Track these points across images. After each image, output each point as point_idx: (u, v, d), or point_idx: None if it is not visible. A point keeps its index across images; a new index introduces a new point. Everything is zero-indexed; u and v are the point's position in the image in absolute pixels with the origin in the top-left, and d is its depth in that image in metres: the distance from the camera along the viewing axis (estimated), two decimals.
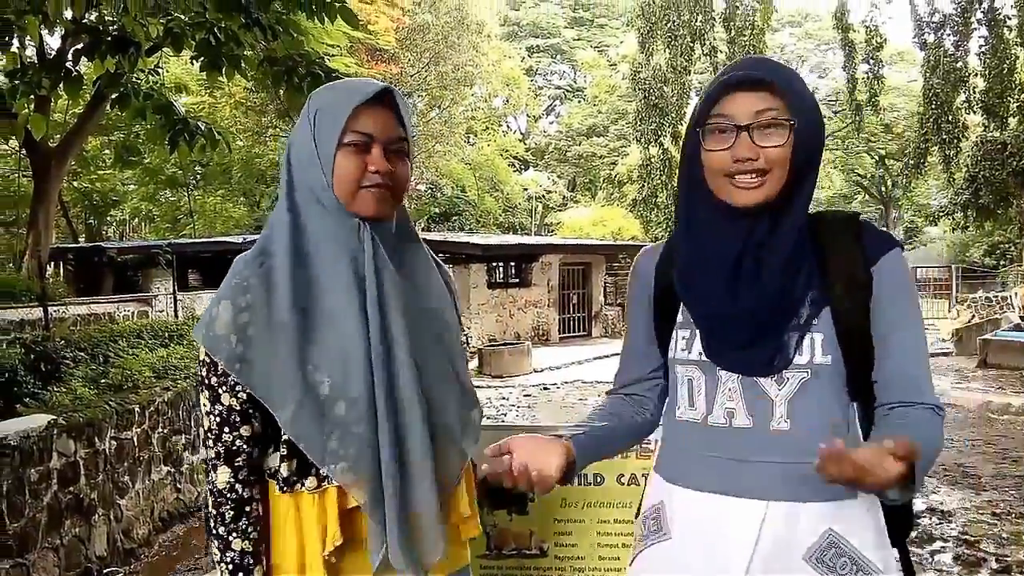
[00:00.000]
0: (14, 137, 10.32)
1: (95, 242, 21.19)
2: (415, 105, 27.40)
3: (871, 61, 19.05)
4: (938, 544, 4.27)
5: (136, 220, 28.61)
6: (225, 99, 22.30)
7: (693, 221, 1.34)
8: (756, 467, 1.28)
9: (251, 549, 1.33)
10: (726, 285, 1.27)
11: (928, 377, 1.30)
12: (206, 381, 1.37)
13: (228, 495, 1.33)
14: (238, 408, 1.33)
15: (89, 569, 6.12)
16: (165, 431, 7.68)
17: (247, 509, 1.34)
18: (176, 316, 12.79)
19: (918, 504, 4.97)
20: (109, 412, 6.75)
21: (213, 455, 1.36)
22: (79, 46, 5.08)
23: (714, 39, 21.08)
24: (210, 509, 1.36)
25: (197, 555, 6.78)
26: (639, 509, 1.52)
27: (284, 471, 1.34)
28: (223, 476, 1.34)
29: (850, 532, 1.27)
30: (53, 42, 12.82)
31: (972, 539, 4.33)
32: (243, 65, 5.10)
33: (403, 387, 1.33)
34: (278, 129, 23.43)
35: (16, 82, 4.76)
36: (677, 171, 1.45)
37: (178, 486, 7.83)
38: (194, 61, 5.04)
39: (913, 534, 4.36)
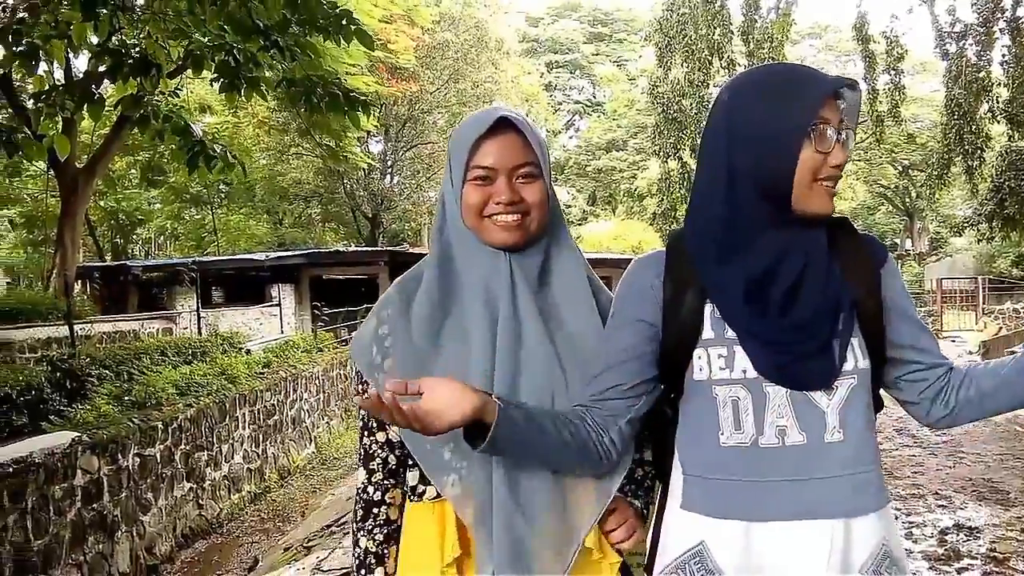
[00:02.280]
0: (45, 159, 10.53)
1: (121, 260, 21.50)
2: (435, 122, 27.62)
3: (892, 72, 18.90)
4: (966, 561, 4.17)
5: (161, 238, 29.03)
6: (248, 119, 22.59)
7: (736, 234, 1.26)
8: (816, 485, 1.21)
9: (374, 549, 1.39)
10: (779, 298, 1.22)
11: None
12: (356, 388, 1.44)
13: (361, 495, 1.42)
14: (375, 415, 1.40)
15: None
16: (188, 447, 7.75)
17: (375, 511, 1.40)
18: (200, 333, 12.93)
19: (945, 520, 4.87)
20: (132, 429, 6.83)
21: (358, 457, 1.45)
22: (102, 68, 5.19)
23: (732, 52, 21.03)
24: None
25: (219, 571, 6.81)
26: (651, 561, 1.39)
27: (411, 480, 1.40)
28: (360, 477, 1.43)
29: (894, 537, 1.26)
30: (81, 64, 13.11)
31: (1001, 556, 4.23)
32: (262, 86, 5.18)
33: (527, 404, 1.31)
34: (300, 148, 23.70)
35: (41, 104, 4.88)
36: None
37: (200, 502, 7.89)
38: (213, 83, 5.13)
39: (940, 551, 4.28)
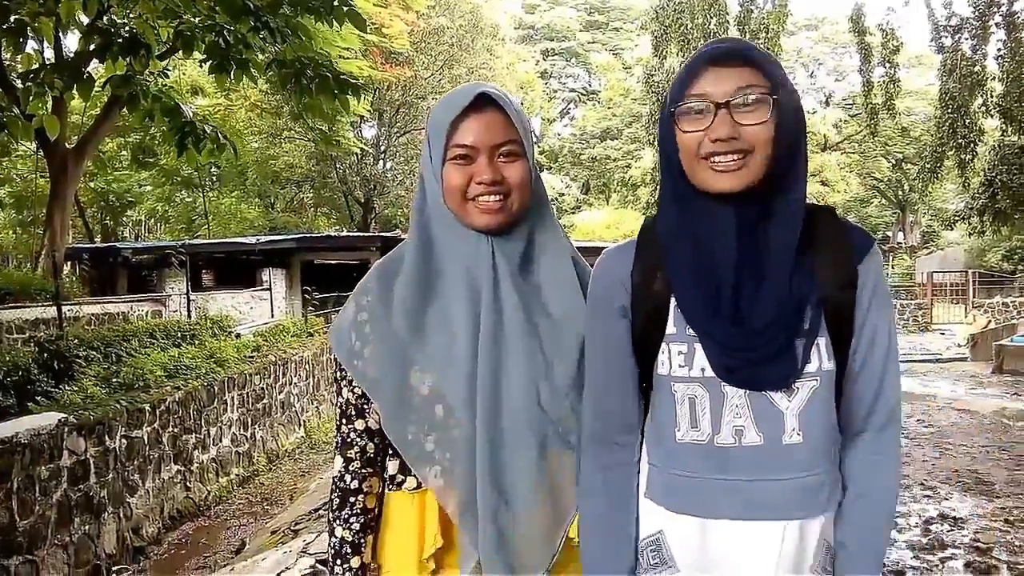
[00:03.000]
0: (32, 139, 10.43)
1: (110, 242, 21.35)
2: (429, 108, 27.43)
3: (887, 64, 18.90)
4: (949, 551, 4.21)
5: (151, 221, 28.83)
6: (240, 101, 22.44)
7: (678, 216, 1.23)
8: (771, 486, 1.19)
9: (350, 539, 1.37)
10: (731, 296, 1.17)
11: (897, 392, 1.26)
12: (335, 375, 1.43)
13: (338, 484, 1.39)
14: (353, 402, 1.38)
15: (98, 567, 6.16)
16: (176, 430, 7.72)
17: (351, 500, 1.38)
18: (189, 316, 12.87)
19: (930, 510, 4.91)
20: (120, 411, 6.80)
21: (335, 445, 1.44)
22: (91, 47, 5.13)
23: None
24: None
25: (206, 553, 6.81)
26: None
27: (391, 469, 1.38)
28: (337, 465, 1.40)
29: (830, 531, 1.26)
30: (72, 44, 12.98)
31: (984, 546, 4.27)
32: (252, 68, 5.13)
33: (509, 394, 1.28)
34: (293, 131, 23.54)
35: (30, 83, 4.83)
36: (659, 161, 1.30)
37: (188, 485, 7.88)
38: (203, 64, 5.08)
39: (924, 540, 4.32)
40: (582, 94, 44.53)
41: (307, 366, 11.80)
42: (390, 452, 1.37)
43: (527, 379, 1.29)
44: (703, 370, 1.20)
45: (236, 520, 7.68)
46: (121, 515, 6.62)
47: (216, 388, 8.67)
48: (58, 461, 5.86)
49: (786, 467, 1.19)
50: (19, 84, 5.79)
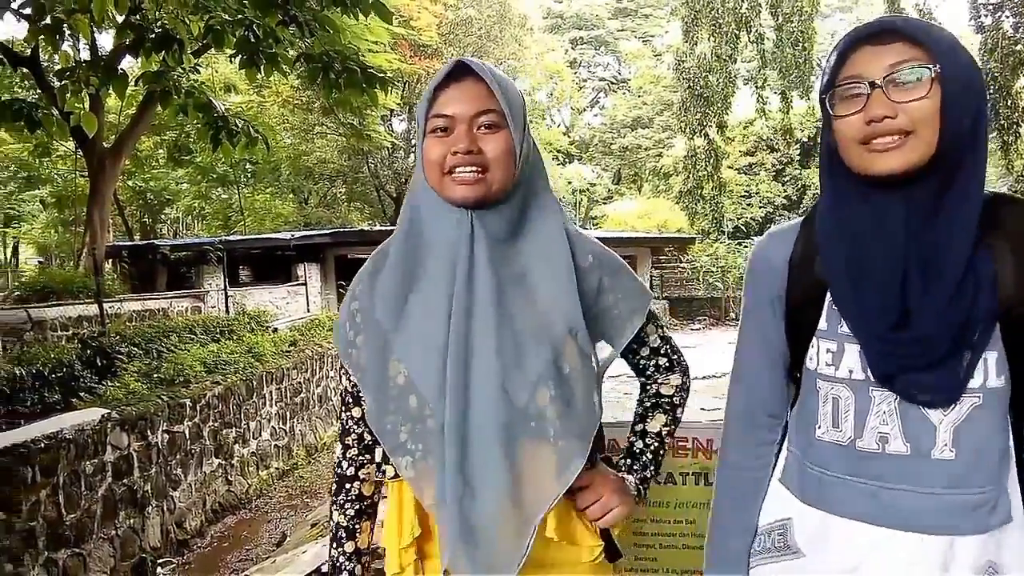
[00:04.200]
0: (68, 138, 10.63)
1: (149, 240, 21.73)
2: None
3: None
4: None
5: (189, 218, 29.29)
6: (273, 97, 22.62)
7: (837, 209, 1.16)
8: (912, 496, 1.13)
9: (344, 524, 1.41)
10: (898, 298, 1.08)
11: None
12: (340, 364, 1.43)
13: (336, 470, 1.43)
14: (350, 390, 1.41)
15: (143, 559, 6.27)
16: (216, 424, 7.83)
17: (347, 486, 1.42)
18: (227, 312, 13.04)
19: None
20: (161, 406, 6.91)
21: (337, 432, 1.47)
22: (125, 42, 5.18)
23: (760, 26, 20.64)
24: None
25: (248, 546, 6.89)
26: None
27: (377, 456, 1.40)
28: (336, 451, 1.45)
29: (1007, 563, 1.14)
30: (106, 43, 13.18)
31: None
32: (281, 62, 5.14)
33: (477, 384, 1.23)
34: (324, 127, 23.71)
35: (66, 81, 4.89)
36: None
37: (229, 478, 7.98)
38: (233, 59, 5.11)
39: None
40: (612, 83, 44.16)
41: None
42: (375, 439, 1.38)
43: (494, 368, 1.23)
44: (851, 372, 1.16)
45: (277, 513, 7.77)
46: (165, 509, 6.73)
47: (255, 383, 8.77)
48: (102, 456, 5.97)
49: (933, 481, 1.13)
50: (56, 83, 5.88)
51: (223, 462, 7.90)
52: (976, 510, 1.12)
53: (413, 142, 27.61)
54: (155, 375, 7.52)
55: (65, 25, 4.80)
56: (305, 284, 17.22)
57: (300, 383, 10.13)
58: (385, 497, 1.45)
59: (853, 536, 1.17)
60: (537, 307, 1.27)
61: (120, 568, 5.97)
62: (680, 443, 2.00)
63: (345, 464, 1.42)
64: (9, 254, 27.85)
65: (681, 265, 23.48)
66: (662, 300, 21.88)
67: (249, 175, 26.17)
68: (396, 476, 1.34)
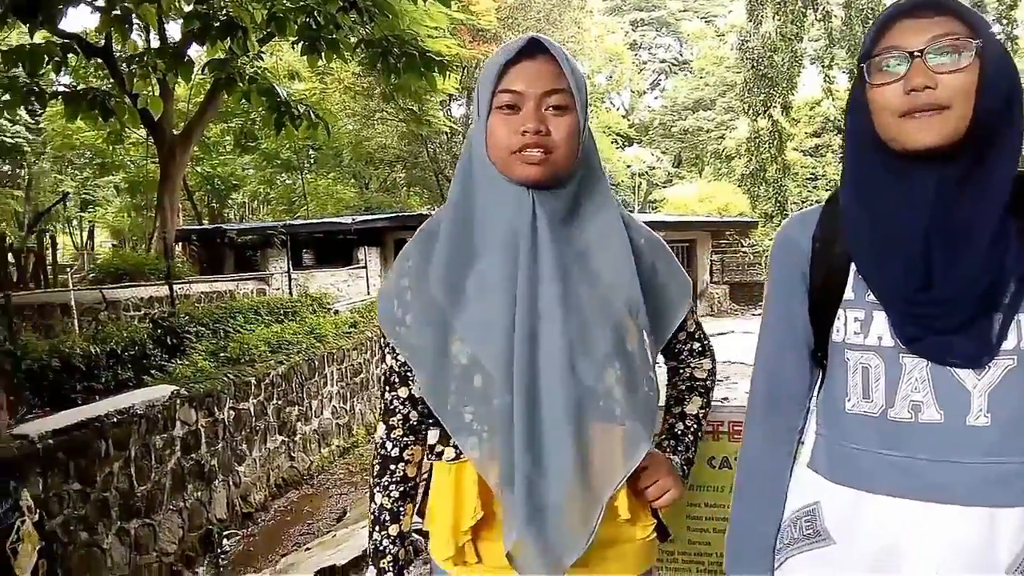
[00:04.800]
0: (140, 125, 10.98)
1: (217, 224, 22.35)
2: None
3: (1003, 21, 17.61)
4: None
5: (254, 203, 30.02)
6: (335, 84, 22.95)
7: (864, 180, 1.15)
8: (948, 468, 1.10)
9: (389, 506, 1.36)
10: (921, 261, 1.08)
11: None
12: (380, 342, 1.42)
13: (379, 451, 1.38)
14: (397, 369, 1.36)
15: (210, 531, 6.51)
16: (279, 402, 8.05)
17: (392, 468, 1.37)
18: (291, 294, 13.34)
19: None
20: (228, 384, 7.14)
21: (379, 412, 1.43)
22: (192, 30, 5.33)
23: (828, 3, 20.00)
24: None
25: (310, 521, 7.09)
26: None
27: (431, 438, 1.37)
28: (379, 431, 1.39)
29: None
30: (174, 33, 13.55)
31: None
32: (341, 48, 5.21)
33: (546, 363, 1.22)
34: (384, 112, 23.95)
35: (135, 67, 5.06)
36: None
37: (292, 455, 8.21)
38: (295, 46, 5.20)
39: None
40: (673, 64, 43.41)
41: None
42: (431, 421, 1.35)
43: (562, 347, 1.22)
44: (880, 339, 1.14)
45: (337, 489, 7.96)
46: (231, 483, 6.97)
47: (316, 362, 8.98)
48: (171, 431, 6.20)
49: (970, 450, 1.09)
50: (125, 69, 6.09)
51: (286, 439, 8.12)
52: (1018, 479, 1.08)
53: (472, 127, 27.63)
54: (222, 354, 7.76)
55: (134, 15, 4.96)
56: (365, 267, 17.47)
57: (360, 363, 10.33)
58: (425, 478, 1.42)
59: (887, 513, 1.14)
60: (599, 287, 1.27)
61: (188, 538, 6.21)
62: (736, 428, 1.97)
63: (390, 445, 1.37)
64: (85, 237, 29.04)
65: (742, 249, 23.03)
66: (723, 285, 21.52)
67: (312, 161, 26.66)
68: (456, 458, 1.32)
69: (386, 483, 1.37)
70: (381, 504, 1.37)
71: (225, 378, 7.15)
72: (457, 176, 1.33)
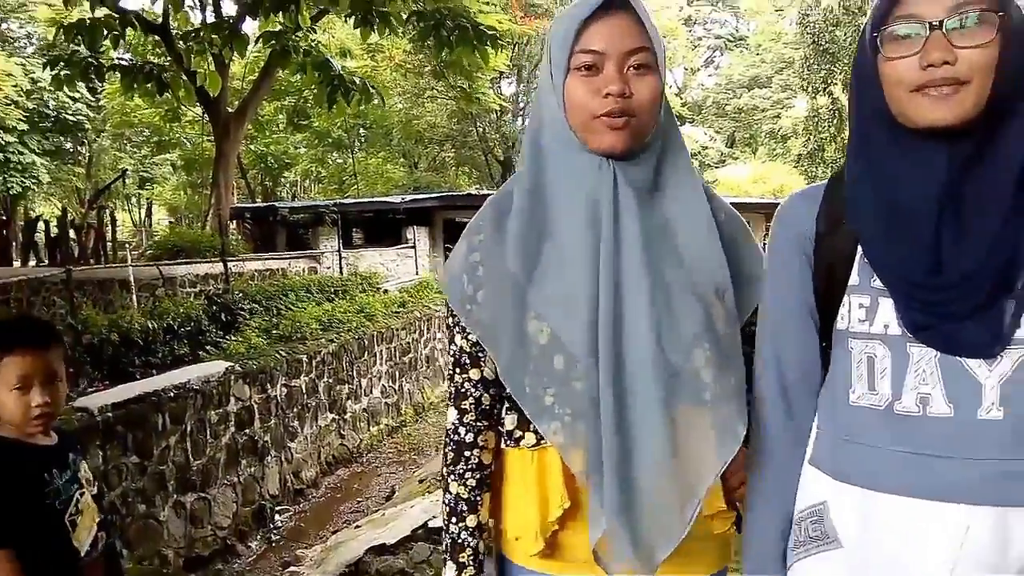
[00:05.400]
0: (195, 102, 11.12)
1: (270, 202, 22.65)
2: None
3: None
4: None
5: (306, 181, 30.37)
6: (385, 62, 22.98)
7: (873, 156, 1.08)
8: (959, 464, 1.03)
9: (466, 495, 1.27)
10: (930, 243, 1.02)
11: None
12: (447, 321, 1.32)
13: (452, 436, 1.29)
14: (468, 350, 1.26)
15: (263, 506, 6.59)
16: (330, 380, 8.10)
17: (467, 454, 1.27)
18: (341, 273, 13.44)
19: None
20: (280, 361, 7.20)
21: (447, 395, 1.33)
22: (245, 2, 5.32)
23: None
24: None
25: (359, 498, 7.13)
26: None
27: (508, 424, 1.27)
28: (450, 416, 1.30)
29: None
30: (227, 9, 13.66)
31: None
32: (392, 21, 5.14)
33: (632, 341, 1.14)
34: (435, 90, 23.92)
35: (191, 43, 5.07)
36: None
37: (342, 433, 8.27)
38: (348, 19, 5.15)
39: None
40: (729, 40, 42.40)
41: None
42: (507, 405, 1.26)
43: (649, 324, 1.14)
44: (886, 327, 1.07)
45: (386, 468, 8.00)
46: (283, 459, 7.04)
47: (366, 341, 9.02)
48: (226, 407, 6.27)
49: (981, 445, 1.02)
50: (181, 45, 6.12)
51: (336, 417, 8.18)
52: None
53: (521, 105, 27.46)
54: (274, 331, 7.83)
55: None
56: (414, 247, 17.53)
57: (409, 343, 10.35)
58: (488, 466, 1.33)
59: (896, 513, 1.06)
60: (684, 262, 1.18)
61: (241, 513, 6.29)
62: None
63: (463, 430, 1.27)
64: (143, 214, 29.77)
65: None
66: None
67: (362, 140, 26.84)
68: (536, 444, 1.23)
69: (461, 471, 1.27)
70: (457, 493, 1.27)
71: (278, 355, 7.21)
72: (526, 146, 1.24)
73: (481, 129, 25.81)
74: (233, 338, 7.44)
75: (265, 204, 21.50)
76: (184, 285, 10.78)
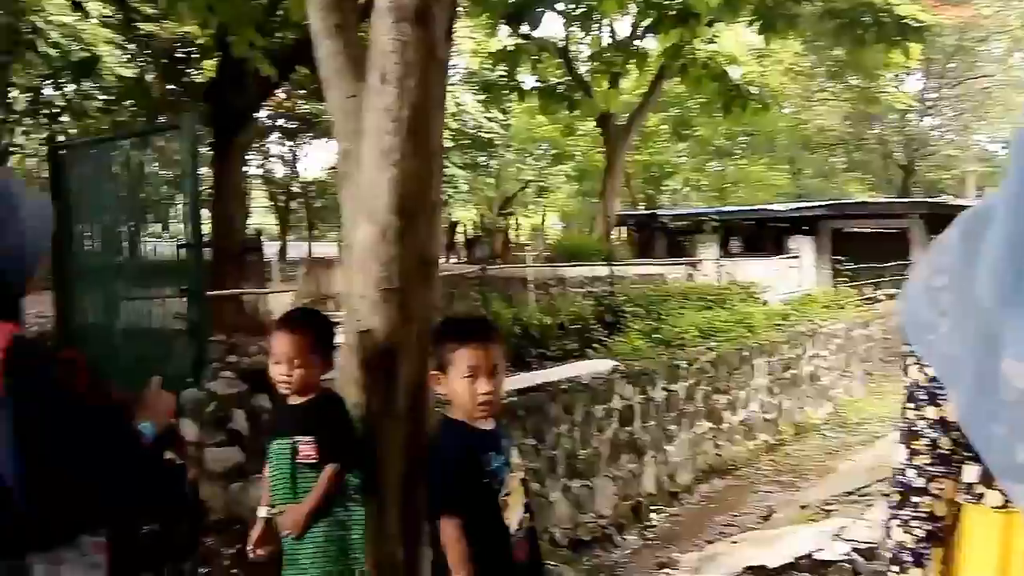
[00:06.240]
0: (594, 116, 11.89)
1: (652, 210, 23.37)
2: (990, 52, 23.49)
3: None
4: None
5: (686, 189, 30.73)
6: (774, 66, 22.23)
7: None
8: None
9: (910, 546, 1.16)
10: None
11: None
12: (901, 348, 1.22)
13: (898, 478, 1.18)
14: (924, 384, 1.14)
15: (639, 503, 6.80)
16: (707, 389, 8.07)
17: (913, 500, 1.16)
18: (719, 281, 13.32)
19: None
20: (661, 365, 7.37)
21: (898, 430, 1.21)
22: (645, 22, 5.55)
23: None
24: None
25: (733, 512, 6.99)
26: None
27: (968, 475, 1.13)
28: (899, 455, 1.18)
29: None
30: (621, 30, 14.38)
31: None
32: (798, 23, 4.94)
33: None
34: (827, 93, 22.51)
35: (597, 63, 5.44)
36: None
37: (718, 443, 8.17)
38: (752, 24, 5.07)
39: None
40: None
41: (837, 340, 11.24)
42: (968, 454, 1.09)
43: None
44: None
45: (762, 486, 7.72)
46: (659, 460, 7.20)
47: (745, 353, 8.80)
48: (610, 404, 6.61)
49: None
50: (584, 68, 6.61)
51: (712, 426, 8.12)
52: None
53: (927, 104, 24.48)
54: (654, 335, 8.03)
55: (595, 12, 5.31)
56: (798, 258, 16.69)
57: (790, 359, 9.86)
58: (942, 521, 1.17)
59: None
60: None
61: (620, 506, 6.57)
62: None
63: (912, 472, 1.15)
64: (540, 220, 32.87)
65: None
66: None
67: (744, 147, 26.32)
68: (1003, 506, 1.08)
69: (906, 517, 1.16)
70: (900, 542, 1.17)
71: (659, 359, 7.39)
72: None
73: (880, 131, 23.61)
74: (616, 338, 7.80)
75: (647, 212, 22.26)
76: (573, 286, 11.60)
